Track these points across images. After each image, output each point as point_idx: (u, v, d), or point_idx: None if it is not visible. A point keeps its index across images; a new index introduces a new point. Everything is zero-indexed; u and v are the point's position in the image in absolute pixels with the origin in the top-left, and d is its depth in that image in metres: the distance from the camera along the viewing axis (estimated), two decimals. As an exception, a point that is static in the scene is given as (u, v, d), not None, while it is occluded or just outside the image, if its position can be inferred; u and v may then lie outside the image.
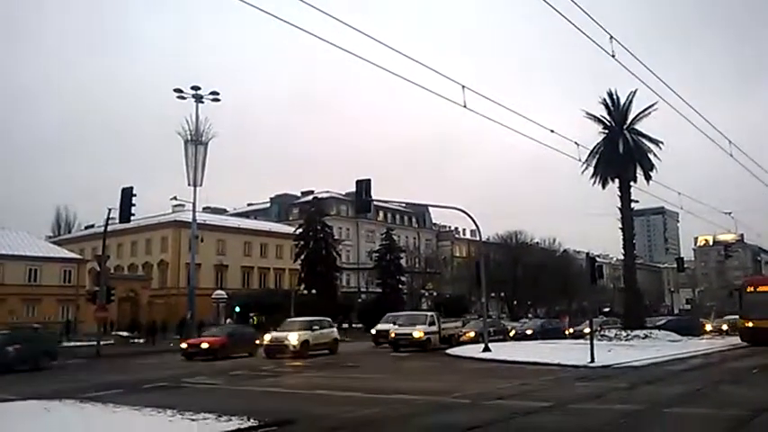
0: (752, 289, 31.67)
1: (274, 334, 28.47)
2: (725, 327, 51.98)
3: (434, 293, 71.98)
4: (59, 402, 12.17)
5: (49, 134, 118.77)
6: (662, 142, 38.77)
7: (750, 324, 29.51)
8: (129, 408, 11.26)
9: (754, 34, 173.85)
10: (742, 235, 76.78)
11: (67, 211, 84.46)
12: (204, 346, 27.36)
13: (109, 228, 34.11)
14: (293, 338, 27.04)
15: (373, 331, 35.56)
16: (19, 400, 12.92)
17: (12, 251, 51.67)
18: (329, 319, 31.77)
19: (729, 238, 76.76)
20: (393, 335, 31.21)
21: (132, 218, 28.61)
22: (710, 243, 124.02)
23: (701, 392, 13.70)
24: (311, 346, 27.59)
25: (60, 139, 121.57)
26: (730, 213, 48.81)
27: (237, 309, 50.21)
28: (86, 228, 76.57)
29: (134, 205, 27.59)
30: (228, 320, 45.02)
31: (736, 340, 30.76)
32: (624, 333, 34.10)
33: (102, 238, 35.53)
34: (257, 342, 29.52)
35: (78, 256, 59.16)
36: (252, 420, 9.74)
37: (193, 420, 9.81)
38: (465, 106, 17.31)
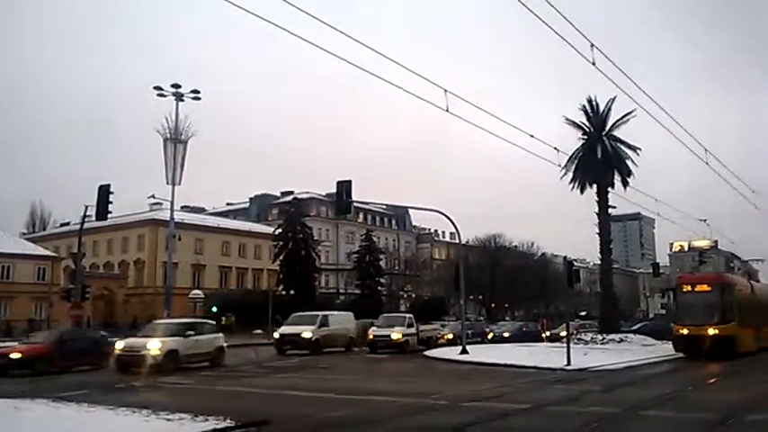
0: (688, 288, 25.93)
1: (130, 341, 21.66)
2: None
3: (413, 295, 72.12)
4: (30, 402, 11.95)
5: (25, 130, 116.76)
6: (639, 149, 39.31)
7: (685, 331, 24.55)
8: (103, 407, 11.10)
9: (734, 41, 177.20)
10: (716, 241, 78.03)
11: (43, 207, 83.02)
12: (15, 356, 20.21)
13: (85, 225, 33.59)
14: (154, 347, 20.19)
15: (276, 335, 29.83)
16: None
17: (-16, 248, 50.76)
18: (212, 322, 25.75)
19: (704, 244, 78.03)
20: (371, 336, 31.21)
21: (109, 216, 28.16)
22: (686, 249, 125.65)
23: (674, 396, 13.90)
24: (182, 357, 20.83)
25: (36, 134, 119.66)
26: (705, 220, 49.69)
27: (215, 309, 49.77)
28: (62, 225, 75.37)
29: (111, 203, 27.15)
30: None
31: None
32: (600, 337, 34.46)
33: (77, 235, 34.97)
34: (109, 351, 22.10)
35: (53, 254, 58.29)
36: (228, 420, 9.66)
37: (169, 420, 9.69)
38: (447, 110, 17.41)
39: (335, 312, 31.81)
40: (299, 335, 27.64)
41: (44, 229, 79.39)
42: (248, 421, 9.84)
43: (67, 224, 69.79)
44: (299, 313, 31.54)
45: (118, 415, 10.38)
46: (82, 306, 32.40)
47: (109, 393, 14.38)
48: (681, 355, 24.42)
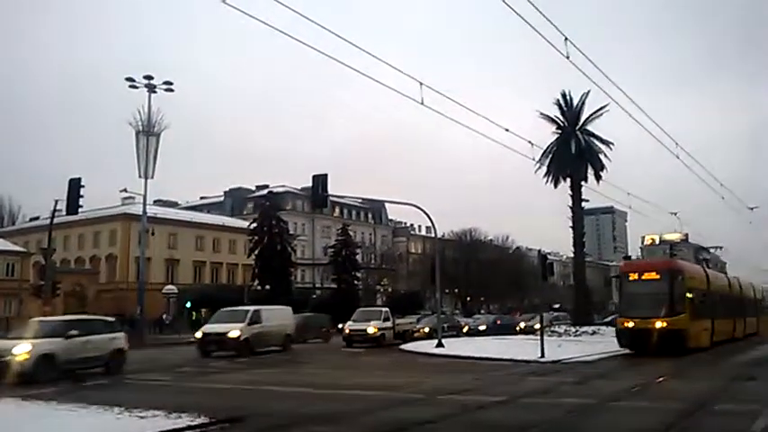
0: (634, 277, 23.68)
1: None
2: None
3: (389, 289, 72.27)
4: (-1, 401, 11.69)
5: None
6: (612, 143, 39.92)
7: (630, 324, 22.31)
8: (73, 405, 10.90)
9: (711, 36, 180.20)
10: (687, 234, 79.40)
11: (11, 201, 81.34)
12: None
13: (56, 220, 33.07)
14: (21, 351, 15.83)
15: (198, 334, 25.78)
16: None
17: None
18: (110, 320, 21.16)
19: (675, 237, 79.32)
20: (348, 331, 31.25)
21: (80, 210, 27.76)
22: (657, 242, 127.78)
23: (645, 387, 14.12)
24: (61, 363, 16.42)
25: (3, 126, 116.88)
26: (676, 213, 50.67)
27: (188, 304, 49.33)
28: (31, 219, 73.85)
29: (82, 197, 26.72)
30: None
31: None
32: (573, 329, 34.97)
33: (47, 230, 34.37)
34: None
35: (22, 249, 57.16)
36: (202, 417, 9.57)
37: (142, 418, 9.56)
38: (422, 103, 17.43)
39: (270, 307, 28.50)
40: (224, 334, 23.80)
41: (13, 224, 77.76)
42: (223, 418, 9.76)
43: (37, 219, 68.43)
44: (227, 309, 27.80)
45: (90, 413, 10.20)
46: (52, 302, 31.89)
47: (79, 391, 14.14)
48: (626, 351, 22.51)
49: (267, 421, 9.93)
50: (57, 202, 30.27)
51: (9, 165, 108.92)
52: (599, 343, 27.11)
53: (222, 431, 9.27)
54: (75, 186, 26.66)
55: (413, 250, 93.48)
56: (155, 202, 58.35)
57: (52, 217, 32.64)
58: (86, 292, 56.19)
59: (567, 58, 16.39)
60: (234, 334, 23.79)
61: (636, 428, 9.07)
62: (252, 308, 26.99)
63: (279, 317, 27.23)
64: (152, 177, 33.54)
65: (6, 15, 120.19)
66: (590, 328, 35.01)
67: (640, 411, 10.91)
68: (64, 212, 28.84)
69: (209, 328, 25.16)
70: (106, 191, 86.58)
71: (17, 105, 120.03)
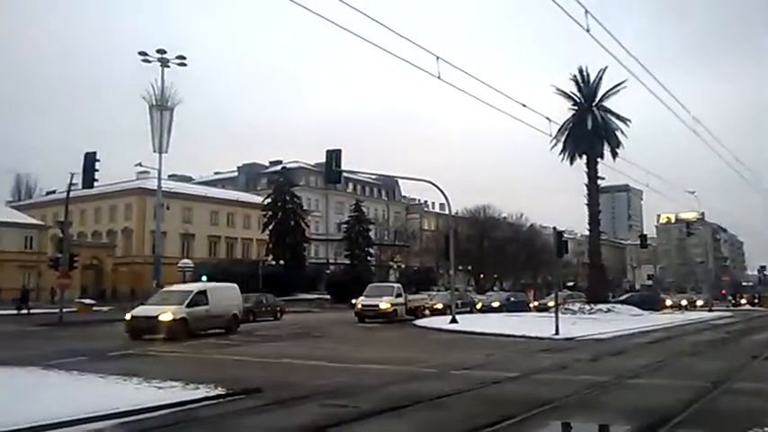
0: None
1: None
2: (684, 302, 53.63)
3: (402, 266, 72.39)
4: (21, 369, 11.88)
5: (8, 96, 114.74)
6: (629, 120, 39.31)
7: None
8: (94, 375, 11.05)
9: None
10: (703, 213, 78.70)
11: (28, 176, 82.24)
12: None
13: (72, 193, 33.21)
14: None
15: (127, 316, 21.97)
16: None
17: (-32, 216, 50.24)
18: None
19: (691, 216, 78.73)
20: (360, 306, 31.33)
21: (96, 184, 27.87)
22: (673, 221, 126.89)
23: (663, 364, 14.05)
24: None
25: (20, 101, 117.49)
26: (693, 192, 50.12)
27: (204, 278, 49.69)
28: (48, 193, 74.60)
29: (97, 170, 26.81)
30: None
31: (695, 315, 30.90)
32: (588, 307, 34.88)
33: (64, 203, 34.60)
34: None
35: (39, 222, 57.82)
36: (219, 389, 9.65)
37: (160, 388, 9.65)
38: (439, 77, 17.18)
39: (213, 285, 25.97)
40: (155, 317, 20.78)
41: (30, 198, 78.59)
42: (239, 389, 9.84)
43: (54, 192, 69.11)
44: (167, 288, 25.84)
45: (110, 383, 10.33)
46: (70, 275, 32.25)
47: (100, 361, 14.33)
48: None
49: (283, 393, 9.98)
50: (72, 175, 30.39)
51: (25, 140, 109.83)
52: (614, 321, 27.06)
53: (239, 402, 9.33)
54: (90, 160, 26.75)
55: (426, 227, 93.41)
56: (169, 176, 58.64)
57: (68, 191, 32.77)
58: (103, 266, 56.92)
59: (588, 31, 16.05)
60: (165, 317, 20.65)
61: (654, 406, 9.00)
62: (196, 288, 24.46)
63: (225, 296, 24.37)
64: (166, 152, 33.47)
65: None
66: (605, 306, 34.92)
67: (658, 389, 10.83)
68: (80, 186, 28.94)
69: (140, 310, 22.10)
70: (122, 165, 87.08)
71: (33, 82, 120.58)
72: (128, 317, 21.65)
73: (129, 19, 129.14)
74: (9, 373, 11.48)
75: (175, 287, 25.74)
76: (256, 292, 37.19)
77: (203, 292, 23.02)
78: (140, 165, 42.51)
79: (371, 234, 70.21)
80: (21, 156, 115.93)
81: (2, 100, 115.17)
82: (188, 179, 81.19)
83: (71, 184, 31.70)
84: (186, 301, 21.77)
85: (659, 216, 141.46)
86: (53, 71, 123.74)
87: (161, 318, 20.69)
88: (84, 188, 28.77)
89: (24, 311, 34.08)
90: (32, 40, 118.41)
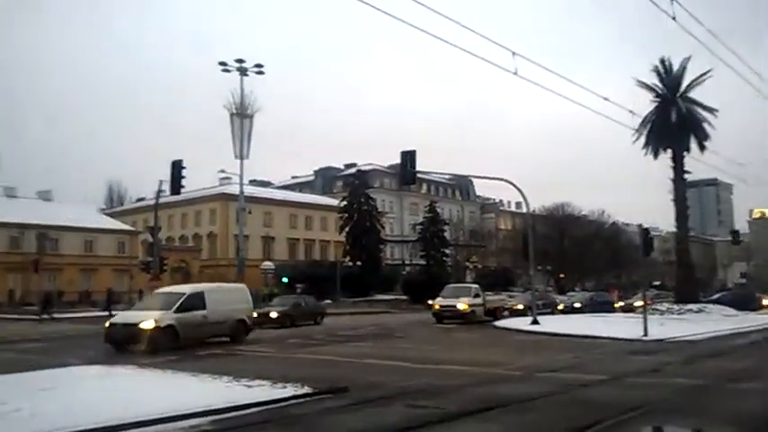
0: None
1: None
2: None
3: (479, 266, 71.57)
4: (120, 367, 12.57)
5: (96, 108, 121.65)
6: (717, 110, 37.27)
7: None
8: (186, 374, 11.54)
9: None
10: (801, 207, 73.56)
11: (120, 184, 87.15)
12: None
13: (160, 200, 34.86)
14: None
15: (107, 324, 18.88)
16: (79, 365, 13.34)
17: (69, 223, 53.53)
18: None
19: (788, 210, 73.79)
20: (438, 307, 31.18)
21: (182, 190, 29.11)
22: (767, 215, 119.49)
23: (762, 369, 13.23)
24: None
25: (108, 112, 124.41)
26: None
27: (285, 279, 51.00)
28: (138, 200, 78.72)
29: (184, 177, 27.97)
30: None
31: None
32: (677, 307, 33.35)
33: (153, 210, 36.35)
34: None
35: (131, 228, 61.01)
36: (306, 387, 9.86)
37: (249, 387, 9.96)
38: (516, 73, 16.86)
39: (213, 285, 23.27)
40: (135, 325, 17.70)
41: (121, 205, 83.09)
42: (326, 388, 10.00)
43: (143, 199, 72.80)
44: (161, 290, 22.49)
45: (202, 381, 10.75)
46: (160, 278, 33.82)
47: (191, 360, 14.93)
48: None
49: (369, 393, 10.07)
50: (161, 183, 31.87)
51: (116, 151, 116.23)
52: (706, 322, 25.75)
53: (327, 401, 9.48)
54: (177, 168, 27.96)
55: (502, 226, 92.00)
56: (250, 182, 60.53)
57: (157, 197, 34.42)
58: (190, 269, 59.35)
59: (674, 19, 15.38)
60: (147, 325, 17.51)
61: (759, 412, 8.46)
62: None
63: (228, 299, 20.88)
64: (247, 158, 34.57)
65: (117, 7, 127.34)
66: (695, 306, 33.25)
67: (763, 394, 10.20)
68: (168, 193, 30.31)
69: (120, 317, 19.71)
70: (206, 171, 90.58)
71: (126, 97, 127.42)
72: (107, 324, 18.66)
73: (211, 27, 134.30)
74: (109, 371, 12.17)
75: (167, 289, 22.45)
76: (294, 294, 37.65)
77: (199, 295, 19.68)
78: (223, 171, 44.18)
79: (446, 234, 69.82)
80: (112, 166, 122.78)
81: (100, 116, 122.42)
82: (267, 184, 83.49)
83: (159, 190, 33.29)
84: (175, 306, 18.50)
85: (752, 211, 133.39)
86: (141, 85, 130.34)
87: (141, 325, 17.46)
88: (171, 195, 30.15)
89: (106, 313, 35.80)
90: (130, 60, 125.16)
